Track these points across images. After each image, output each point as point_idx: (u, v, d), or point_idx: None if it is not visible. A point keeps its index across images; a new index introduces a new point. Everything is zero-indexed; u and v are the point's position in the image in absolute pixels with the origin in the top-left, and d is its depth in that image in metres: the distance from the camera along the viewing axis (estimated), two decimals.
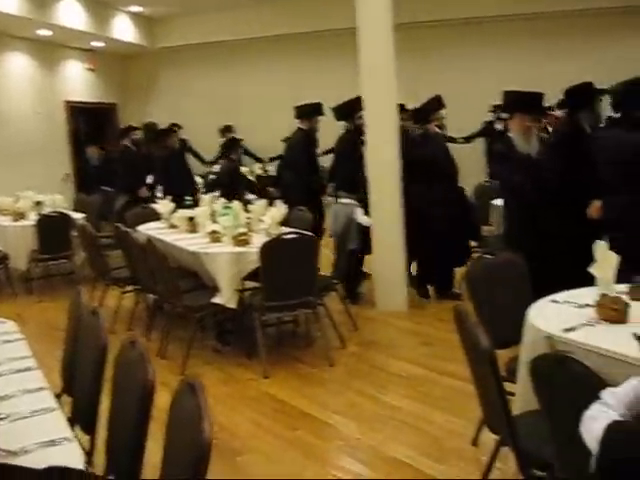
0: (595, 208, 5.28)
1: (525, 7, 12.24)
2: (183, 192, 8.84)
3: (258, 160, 13.55)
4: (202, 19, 13.91)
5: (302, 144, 8.30)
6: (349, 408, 4.73)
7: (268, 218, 6.19)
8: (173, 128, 10.77)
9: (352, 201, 7.24)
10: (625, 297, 3.20)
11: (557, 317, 3.14)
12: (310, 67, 14.01)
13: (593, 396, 1.96)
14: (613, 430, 1.78)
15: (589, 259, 3.27)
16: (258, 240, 5.68)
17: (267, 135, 12.82)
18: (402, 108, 7.50)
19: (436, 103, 7.51)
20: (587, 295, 3.33)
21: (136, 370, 2.52)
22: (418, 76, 11.26)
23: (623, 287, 3.37)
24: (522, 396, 3.11)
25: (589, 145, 5.51)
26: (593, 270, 3.40)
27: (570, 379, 2.28)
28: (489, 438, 3.44)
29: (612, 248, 3.27)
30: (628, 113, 5.02)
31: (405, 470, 3.87)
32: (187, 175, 10.19)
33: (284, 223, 6.37)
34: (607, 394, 1.95)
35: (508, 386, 3.02)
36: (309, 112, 8.31)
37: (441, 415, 4.49)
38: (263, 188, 11.65)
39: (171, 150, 10.07)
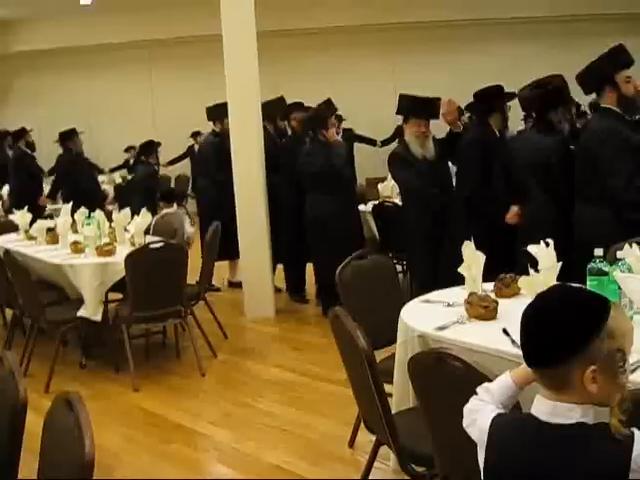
0: (512, 214, 5.30)
1: (381, 18, 12.67)
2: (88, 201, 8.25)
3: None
4: (58, 23, 13.43)
5: (213, 147, 7.94)
6: (223, 417, 4.68)
7: (132, 227, 6.04)
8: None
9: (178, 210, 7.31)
10: (493, 295, 3.34)
11: (429, 316, 3.21)
12: (169, 75, 13.86)
13: (472, 391, 2.03)
14: (499, 424, 1.83)
15: (502, 265, 3.37)
16: (123, 250, 5.53)
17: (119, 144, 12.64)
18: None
19: (327, 108, 7.13)
20: (457, 294, 3.44)
21: (4, 388, 2.39)
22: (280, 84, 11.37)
23: (490, 285, 3.52)
24: (398, 394, 3.17)
25: (501, 149, 5.61)
26: (461, 270, 3.53)
27: (448, 375, 2.33)
28: (365, 439, 3.50)
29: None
30: (541, 117, 5.13)
31: (282, 475, 3.87)
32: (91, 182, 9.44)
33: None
34: (482, 390, 2.01)
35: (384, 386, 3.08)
36: (221, 113, 7.69)
37: (315, 419, 4.51)
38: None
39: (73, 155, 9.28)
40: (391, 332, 3.33)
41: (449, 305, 3.36)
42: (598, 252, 3.06)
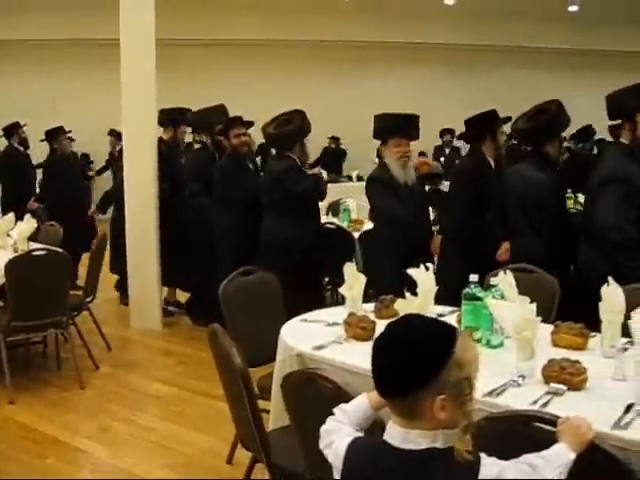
0: (503, 250, 5.00)
1: (284, 34, 12.77)
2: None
3: None
4: None
5: (161, 157, 7.08)
6: (102, 432, 4.58)
7: (16, 233, 5.87)
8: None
9: None
10: (372, 316, 3.41)
11: (309, 335, 3.26)
12: (70, 77, 13.56)
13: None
14: (355, 448, 1.87)
15: None
16: (4, 256, 5.35)
17: None
18: None
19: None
20: (336, 314, 3.49)
21: None
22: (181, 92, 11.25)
23: (369, 306, 3.59)
24: (276, 412, 3.19)
25: (494, 180, 5.19)
26: (342, 290, 3.59)
27: (318, 395, 2.37)
28: (244, 456, 3.50)
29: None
30: (537, 149, 4.88)
31: None
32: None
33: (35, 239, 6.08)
34: (338, 411, 2.05)
35: (263, 403, 3.10)
36: (174, 119, 7.20)
37: (196, 435, 4.48)
38: None
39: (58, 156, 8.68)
40: (272, 349, 3.35)
41: (329, 325, 3.42)
42: (473, 278, 3.17)
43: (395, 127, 5.25)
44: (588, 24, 13.74)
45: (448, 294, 3.56)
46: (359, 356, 2.92)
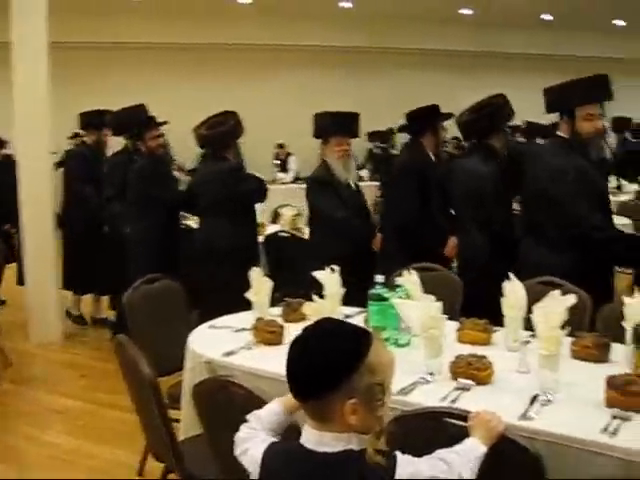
0: (451, 246, 5.00)
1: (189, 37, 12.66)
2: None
3: None
4: None
5: (82, 162, 6.82)
6: (4, 452, 4.41)
7: None
8: None
9: None
10: (280, 320, 3.41)
11: (217, 342, 3.23)
12: None
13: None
14: (271, 453, 1.88)
15: None
16: None
17: None
18: None
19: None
20: (244, 319, 3.48)
21: None
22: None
23: (277, 310, 3.59)
24: (187, 421, 3.14)
25: (437, 174, 5.20)
26: (249, 295, 3.57)
27: (231, 402, 2.36)
28: (155, 467, 3.44)
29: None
30: (482, 142, 4.81)
31: None
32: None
33: None
34: (252, 417, 2.06)
35: (172, 413, 3.05)
36: (96, 122, 6.79)
37: (104, 448, 4.38)
38: None
39: None
40: (180, 358, 3.30)
41: (237, 330, 3.40)
42: (379, 278, 3.21)
43: (336, 125, 5.15)
44: (483, 26, 14.11)
45: None
46: (269, 361, 2.92)
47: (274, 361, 2.89)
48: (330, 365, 1.73)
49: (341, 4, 12.57)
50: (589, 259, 3.84)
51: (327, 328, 1.86)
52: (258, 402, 2.20)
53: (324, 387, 1.73)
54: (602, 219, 3.99)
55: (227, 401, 2.39)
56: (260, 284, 3.54)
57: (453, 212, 5.13)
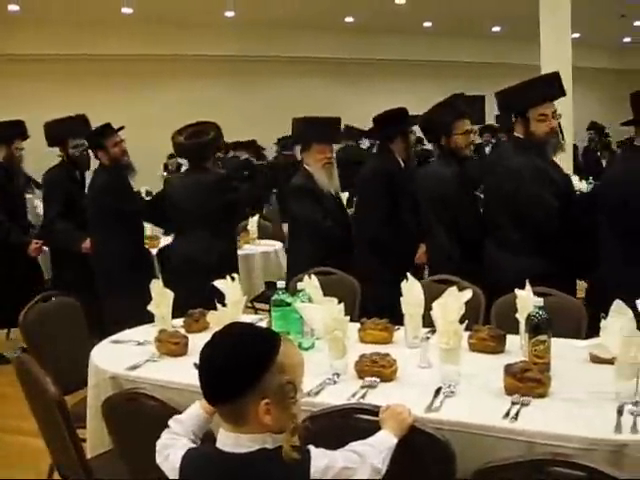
0: (421, 253, 4.89)
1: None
2: None
3: None
4: None
5: None
6: None
7: None
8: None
9: None
10: (183, 331, 3.40)
11: (120, 356, 3.18)
12: None
13: (167, 427, 2.08)
14: (189, 459, 1.89)
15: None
16: None
17: None
18: None
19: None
20: (146, 332, 3.45)
21: None
22: None
23: (179, 321, 3.57)
24: (93, 439, 3.09)
25: (406, 180, 5.05)
26: (150, 308, 3.54)
27: (143, 414, 2.35)
28: None
29: None
30: (440, 145, 4.71)
31: None
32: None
33: None
34: (173, 422, 2.08)
35: (78, 432, 2.99)
36: (6, 135, 6.19)
37: (5, 472, 4.23)
38: None
39: None
40: (82, 375, 3.24)
41: (140, 344, 3.36)
42: (280, 284, 3.25)
43: (317, 132, 4.90)
44: (365, 33, 14.37)
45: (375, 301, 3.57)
46: (175, 372, 2.92)
47: (180, 372, 2.90)
48: (240, 367, 1.77)
49: (226, 13, 12.55)
50: (553, 262, 3.84)
51: (236, 332, 1.90)
52: (171, 412, 2.20)
53: (236, 389, 1.76)
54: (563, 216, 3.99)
55: (139, 413, 2.37)
56: (161, 296, 3.52)
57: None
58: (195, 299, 3.71)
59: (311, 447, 1.83)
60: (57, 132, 6.00)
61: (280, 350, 1.79)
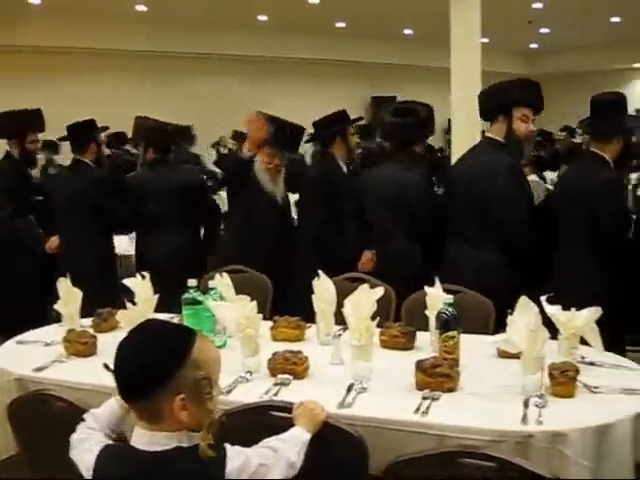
0: (367, 260, 4.65)
1: None
2: None
3: None
4: None
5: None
6: None
7: None
8: None
9: None
10: (91, 330, 3.32)
11: (26, 358, 3.09)
12: None
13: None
14: (104, 457, 1.86)
15: None
16: None
17: None
18: None
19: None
20: (53, 333, 3.36)
21: None
22: None
23: (87, 321, 3.49)
24: None
25: (349, 185, 4.91)
26: (57, 307, 3.46)
27: (52, 415, 2.29)
28: None
29: None
30: (405, 147, 4.56)
31: None
32: None
33: None
34: (89, 416, 2.06)
35: None
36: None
37: None
38: None
39: None
40: None
41: (47, 344, 3.27)
42: (192, 282, 3.21)
43: (273, 137, 4.74)
44: (279, 32, 14.35)
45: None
46: (84, 372, 2.87)
47: (89, 373, 2.85)
48: (153, 363, 1.75)
49: (137, 7, 12.32)
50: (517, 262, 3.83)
51: (150, 328, 1.89)
52: (80, 413, 2.15)
53: (149, 385, 1.74)
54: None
55: (47, 415, 2.32)
56: (69, 295, 3.44)
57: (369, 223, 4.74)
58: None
59: (227, 445, 1.82)
60: (16, 124, 5.67)
61: (195, 346, 1.78)
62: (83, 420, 2.04)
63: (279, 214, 4.88)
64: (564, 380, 2.44)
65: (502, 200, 3.86)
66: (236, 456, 1.80)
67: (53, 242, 5.42)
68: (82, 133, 5.35)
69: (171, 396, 1.73)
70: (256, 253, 4.64)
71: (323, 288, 3.22)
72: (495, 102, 4.04)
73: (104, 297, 3.85)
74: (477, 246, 3.93)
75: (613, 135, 3.90)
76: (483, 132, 4.73)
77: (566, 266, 3.94)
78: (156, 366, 1.74)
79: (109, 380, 2.65)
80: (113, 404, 2.11)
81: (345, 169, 5.12)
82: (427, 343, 3.04)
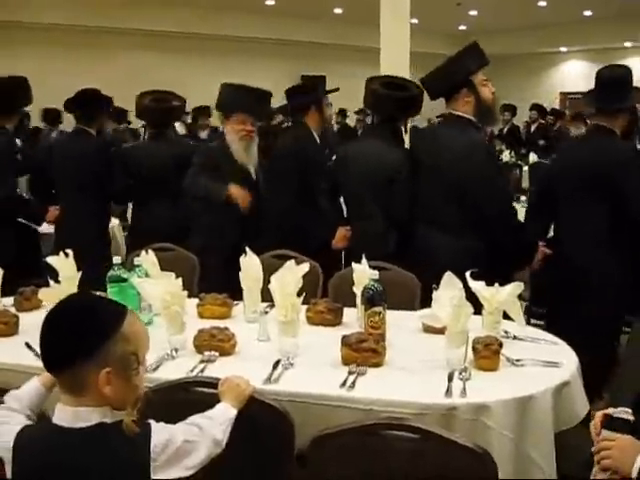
0: (341, 236, 4.44)
1: None
2: None
3: None
4: None
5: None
6: None
7: None
8: None
9: None
10: (13, 309, 3.24)
11: None
12: None
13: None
14: (24, 437, 1.81)
15: None
16: None
17: None
18: None
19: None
20: None
21: None
22: None
23: (9, 300, 3.40)
24: None
25: (322, 157, 4.71)
26: None
27: None
28: None
29: None
30: (391, 123, 4.29)
31: None
32: None
33: None
34: (10, 398, 2.00)
35: None
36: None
37: None
38: None
39: None
40: None
41: None
42: (116, 259, 3.16)
43: (242, 101, 4.41)
44: (212, 10, 14.17)
45: None
46: (5, 352, 2.80)
47: (11, 352, 2.78)
48: (84, 332, 1.72)
49: None
50: (494, 246, 3.71)
51: (82, 298, 1.88)
52: (2, 393, 2.09)
53: (77, 355, 1.70)
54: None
55: None
56: None
57: (343, 200, 4.59)
58: None
59: (152, 421, 1.80)
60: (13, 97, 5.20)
61: (126, 320, 1.76)
62: (1, 402, 1.98)
63: (252, 189, 4.44)
64: (488, 354, 2.48)
65: (483, 184, 3.70)
66: (160, 432, 1.78)
67: (52, 213, 5.24)
68: (92, 104, 5.28)
69: (97, 368, 1.70)
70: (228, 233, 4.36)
71: (249, 265, 3.20)
72: (453, 79, 3.86)
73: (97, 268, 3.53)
74: (453, 231, 3.75)
75: (621, 109, 3.83)
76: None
77: (575, 244, 3.88)
78: (85, 335, 1.71)
79: (32, 360, 2.64)
80: (35, 383, 2.06)
81: (319, 141, 4.87)
82: (354, 319, 3.05)
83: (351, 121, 13.78)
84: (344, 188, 4.45)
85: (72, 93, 5.27)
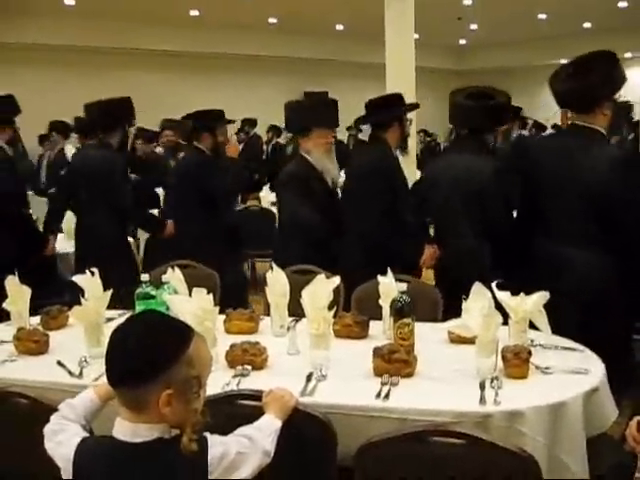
0: (429, 256, 4.31)
1: None
2: None
3: None
4: None
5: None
6: None
7: None
8: None
9: None
10: (41, 329, 3.27)
11: None
12: None
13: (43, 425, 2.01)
14: (85, 449, 1.84)
15: None
16: None
17: None
18: None
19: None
20: (2, 331, 3.30)
21: None
22: None
23: (37, 319, 3.44)
24: None
25: (402, 174, 4.59)
26: (6, 305, 3.39)
27: (14, 413, 2.27)
28: None
29: None
30: (478, 134, 4.15)
31: None
32: None
33: None
34: (65, 406, 2.03)
35: None
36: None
37: None
38: None
39: None
40: None
41: None
42: (144, 277, 3.19)
43: (323, 115, 4.47)
44: (207, 27, 14.27)
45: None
46: (38, 370, 2.83)
47: (43, 370, 2.81)
48: (152, 352, 1.74)
49: (66, 1, 12.09)
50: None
51: (150, 319, 1.87)
52: (43, 408, 2.13)
53: (144, 374, 1.73)
54: None
55: (7, 413, 2.28)
56: (17, 293, 3.37)
57: (431, 219, 4.50)
58: None
59: (207, 434, 1.83)
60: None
61: (192, 344, 1.78)
62: (57, 410, 2.02)
63: (334, 200, 4.47)
64: (517, 362, 2.52)
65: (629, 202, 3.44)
66: (216, 446, 1.81)
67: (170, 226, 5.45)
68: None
69: (159, 389, 1.72)
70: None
71: (275, 280, 3.25)
72: (601, 93, 3.65)
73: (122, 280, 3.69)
74: (581, 246, 3.49)
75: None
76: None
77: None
78: (153, 358, 1.73)
79: (66, 377, 2.68)
80: (90, 394, 2.09)
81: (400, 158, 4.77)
82: (379, 331, 3.10)
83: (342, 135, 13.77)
84: (432, 206, 4.30)
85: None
